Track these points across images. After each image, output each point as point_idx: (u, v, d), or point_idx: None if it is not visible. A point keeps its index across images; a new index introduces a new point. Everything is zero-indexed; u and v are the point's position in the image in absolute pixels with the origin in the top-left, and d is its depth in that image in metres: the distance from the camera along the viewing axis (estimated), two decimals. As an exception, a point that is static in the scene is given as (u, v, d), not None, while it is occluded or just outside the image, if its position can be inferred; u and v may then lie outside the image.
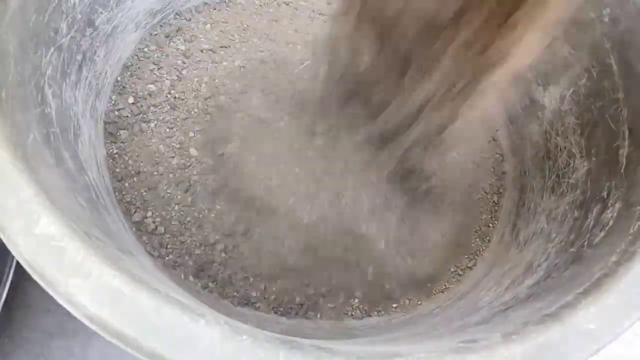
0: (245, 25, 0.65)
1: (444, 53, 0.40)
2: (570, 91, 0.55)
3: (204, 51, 0.62)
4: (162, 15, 0.63)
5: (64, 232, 0.28)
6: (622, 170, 0.44)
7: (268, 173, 0.54)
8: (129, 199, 0.52)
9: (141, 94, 0.58)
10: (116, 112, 0.56)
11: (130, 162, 0.54)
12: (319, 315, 0.52)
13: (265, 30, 0.65)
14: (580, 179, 0.50)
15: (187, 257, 0.51)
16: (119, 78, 0.58)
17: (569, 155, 0.53)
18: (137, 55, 0.60)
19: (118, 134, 0.55)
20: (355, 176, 0.54)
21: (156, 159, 0.55)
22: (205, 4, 0.67)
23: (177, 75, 0.60)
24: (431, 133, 0.48)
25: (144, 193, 0.53)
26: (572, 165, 0.52)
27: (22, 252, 0.27)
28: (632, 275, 0.33)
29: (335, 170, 0.54)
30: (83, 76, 0.49)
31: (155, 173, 0.54)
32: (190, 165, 0.55)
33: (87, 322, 0.26)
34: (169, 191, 0.53)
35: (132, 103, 0.57)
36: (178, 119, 0.57)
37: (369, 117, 0.51)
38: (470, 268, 0.58)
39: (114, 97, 0.57)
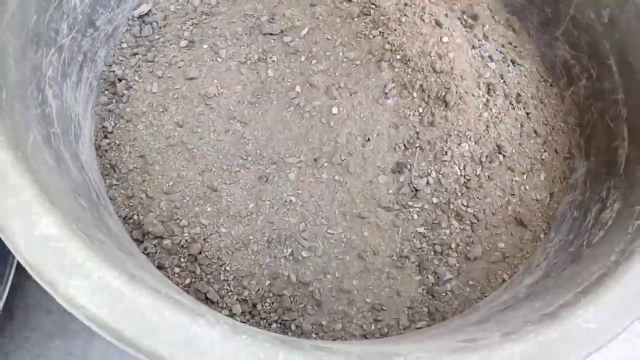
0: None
1: None
2: (570, 91, 0.55)
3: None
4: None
5: (64, 232, 0.28)
6: (621, 171, 0.44)
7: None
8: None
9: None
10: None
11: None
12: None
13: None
14: (579, 179, 0.50)
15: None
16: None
17: (569, 155, 0.53)
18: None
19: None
20: None
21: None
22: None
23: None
24: None
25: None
26: (571, 165, 0.52)
27: (22, 252, 0.27)
28: (631, 274, 0.33)
29: None
30: (84, 77, 0.49)
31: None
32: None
33: (87, 322, 0.26)
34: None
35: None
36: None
37: None
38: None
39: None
